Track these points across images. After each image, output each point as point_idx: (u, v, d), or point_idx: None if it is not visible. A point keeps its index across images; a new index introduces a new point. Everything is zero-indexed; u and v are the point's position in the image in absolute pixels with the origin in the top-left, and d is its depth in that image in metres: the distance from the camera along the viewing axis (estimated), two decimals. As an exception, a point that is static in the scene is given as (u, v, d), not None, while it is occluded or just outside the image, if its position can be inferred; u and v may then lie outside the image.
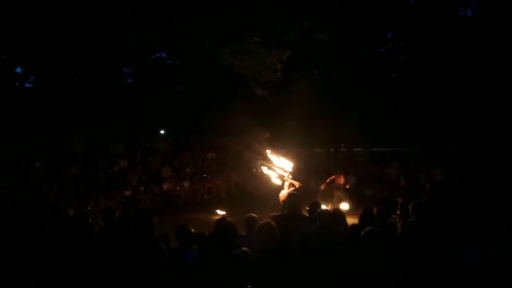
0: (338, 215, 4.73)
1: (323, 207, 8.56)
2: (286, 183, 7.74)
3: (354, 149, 19.25)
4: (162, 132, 19.72)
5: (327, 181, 12.09)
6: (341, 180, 11.87)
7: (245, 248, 3.30)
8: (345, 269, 3.49)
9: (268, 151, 8.70)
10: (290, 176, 7.95)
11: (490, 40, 16.74)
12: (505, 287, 3.51)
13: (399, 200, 10.47)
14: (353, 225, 4.62)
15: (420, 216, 5.12)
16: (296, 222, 4.96)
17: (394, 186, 13.93)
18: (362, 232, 3.59)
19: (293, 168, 8.23)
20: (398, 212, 7.14)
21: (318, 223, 4.76)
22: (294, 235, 4.51)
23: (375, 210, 5.21)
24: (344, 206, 10.69)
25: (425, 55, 17.84)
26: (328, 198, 11.47)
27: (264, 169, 8.33)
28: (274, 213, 5.31)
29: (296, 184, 7.84)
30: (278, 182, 7.96)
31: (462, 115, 16.63)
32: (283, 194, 7.36)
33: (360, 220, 4.66)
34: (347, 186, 12.12)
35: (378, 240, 3.51)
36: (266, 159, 8.52)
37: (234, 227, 3.91)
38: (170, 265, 3.50)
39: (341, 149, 19.53)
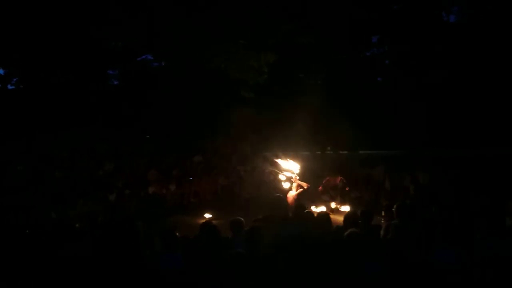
0: (323, 217, 4.76)
1: (322, 208, 8.78)
2: (294, 185, 8.02)
3: (341, 152, 19.40)
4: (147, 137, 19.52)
5: (323, 182, 12.38)
6: (337, 181, 12.28)
7: (240, 250, 3.33)
8: (328, 270, 3.52)
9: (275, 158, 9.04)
10: (298, 178, 8.20)
11: (473, 45, 17.08)
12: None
13: (384, 202, 10.66)
14: (337, 227, 4.67)
15: (403, 218, 5.19)
16: (280, 225, 4.98)
17: (379, 189, 14.08)
18: (345, 234, 3.64)
19: (300, 169, 8.51)
20: (383, 214, 7.23)
21: (302, 225, 4.78)
22: (278, 238, 4.53)
23: (359, 212, 5.27)
24: (345, 207, 10.87)
25: (409, 59, 18.11)
26: (325, 200, 11.66)
27: (281, 177, 8.50)
28: (259, 217, 5.32)
29: (304, 185, 8.20)
30: (287, 185, 8.19)
31: (446, 119, 16.89)
32: (292, 195, 7.76)
33: (344, 222, 4.70)
34: (347, 189, 12.36)
35: (360, 242, 3.56)
36: (275, 165, 8.75)
37: (217, 230, 3.92)
38: (154, 269, 3.49)
39: (328, 152, 19.65)
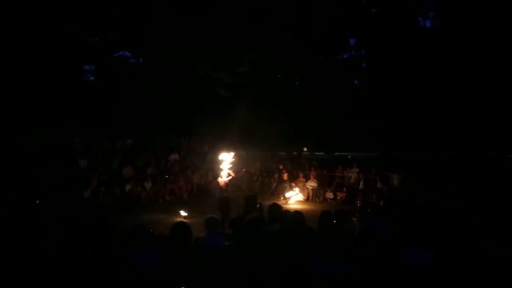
0: (299, 217, 4.78)
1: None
2: (225, 172, 9.12)
3: (316, 153, 19.60)
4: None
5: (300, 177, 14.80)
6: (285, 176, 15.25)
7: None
8: (304, 271, 3.56)
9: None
10: (230, 166, 9.27)
11: (448, 50, 17.49)
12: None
13: (358, 203, 10.86)
14: (311, 229, 4.68)
15: (376, 219, 5.29)
16: (256, 224, 4.97)
17: (353, 190, 14.31)
18: (322, 237, 3.68)
19: (233, 158, 9.59)
20: (357, 215, 7.32)
21: (278, 224, 4.80)
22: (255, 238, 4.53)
23: (333, 212, 5.32)
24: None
25: (386, 63, 18.41)
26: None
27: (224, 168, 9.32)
28: (232, 218, 5.30)
29: (232, 174, 9.38)
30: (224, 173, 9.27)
31: (418, 123, 17.26)
32: (221, 180, 9.07)
33: (319, 223, 4.73)
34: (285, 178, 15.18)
35: (337, 244, 3.61)
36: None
37: (189, 229, 3.93)
38: (129, 266, 3.46)
39: (303, 153, 19.83)
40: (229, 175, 9.18)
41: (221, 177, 9.18)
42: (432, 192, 11.69)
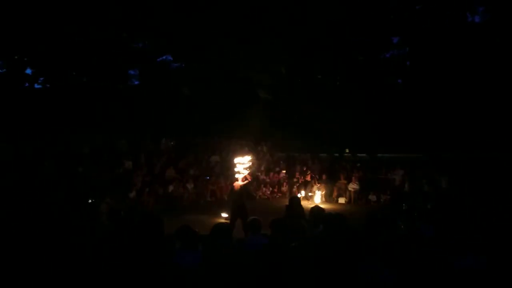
0: (342, 219, 4.72)
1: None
2: (241, 176, 8.92)
3: (358, 155, 19.20)
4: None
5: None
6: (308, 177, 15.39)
7: None
8: (347, 273, 3.50)
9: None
10: (246, 170, 9.11)
11: (499, 46, 16.60)
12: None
13: (404, 206, 10.54)
14: (356, 231, 4.59)
15: (424, 223, 5.12)
16: (299, 225, 4.96)
17: (397, 192, 13.89)
18: (367, 240, 3.61)
19: (250, 162, 9.53)
20: (403, 218, 7.11)
21: (321, 226, 4.75)
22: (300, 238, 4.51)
23: (379, 215, 5.19)
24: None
25: (431, 61, 17.77)
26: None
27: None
28: (274, 219, 5.30)
29: (249, 177, 9.26)
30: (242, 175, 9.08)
31: (466, 121, 16.52)
32: (237, 184, 8.85)
33: (366, 226, 4.63)
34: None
35: (383, 248, 3.54)
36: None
37: (230, 230, 3.97)
38: (174, 265, 3.54)
39: (346, 154, 19.49)
40: (245, 178, 9.01)
41: (237, 181, 8.99)
42: (483, 194, 11.15)
